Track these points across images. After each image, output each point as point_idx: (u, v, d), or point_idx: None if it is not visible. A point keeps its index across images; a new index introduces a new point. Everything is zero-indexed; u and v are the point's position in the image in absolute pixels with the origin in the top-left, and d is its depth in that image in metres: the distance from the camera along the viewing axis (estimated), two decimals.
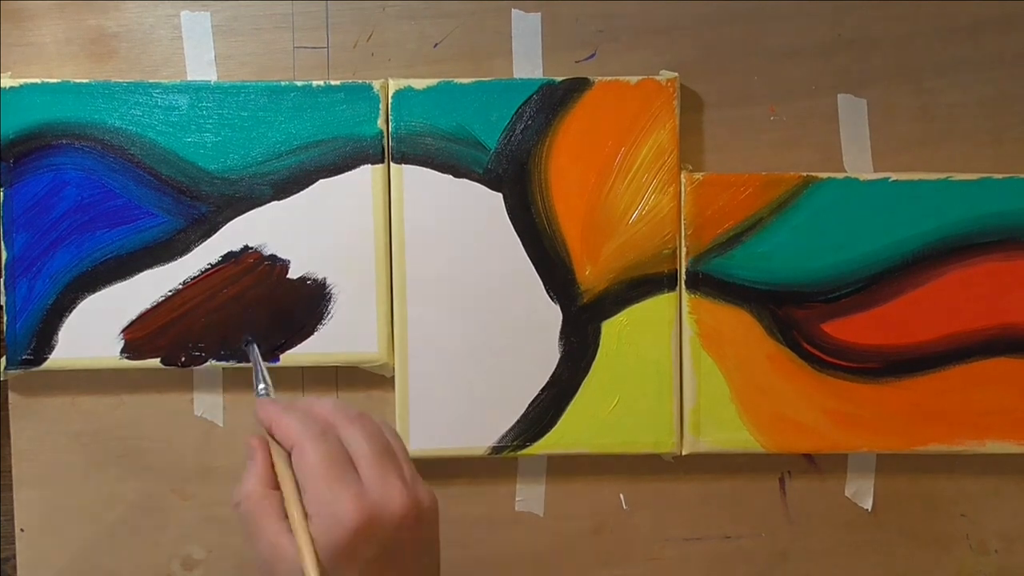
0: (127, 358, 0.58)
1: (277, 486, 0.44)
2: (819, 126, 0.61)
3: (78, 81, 0.58)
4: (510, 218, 0.59)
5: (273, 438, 0.45)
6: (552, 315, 0.59)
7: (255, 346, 0.56)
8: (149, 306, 0.58)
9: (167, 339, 0.58)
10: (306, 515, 0.42)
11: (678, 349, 0.59)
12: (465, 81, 0.58)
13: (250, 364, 0.57)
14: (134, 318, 0.58)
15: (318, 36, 0.60)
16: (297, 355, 0.58)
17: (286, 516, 0.43)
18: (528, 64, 0.60)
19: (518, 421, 0.59)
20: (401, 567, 0.43)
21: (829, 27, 0.61)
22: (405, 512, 0.42)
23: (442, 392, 0.59)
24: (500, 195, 0.59)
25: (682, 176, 0.59)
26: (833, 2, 0.61)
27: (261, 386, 0.51)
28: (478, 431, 0.59)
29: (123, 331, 0.58)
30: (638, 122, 0.58)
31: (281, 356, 0.58)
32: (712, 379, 0.59)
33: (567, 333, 0.59)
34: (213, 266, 0.58)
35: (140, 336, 0.58)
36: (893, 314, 0.59)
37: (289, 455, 0.44)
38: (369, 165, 0.58)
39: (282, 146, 0.58)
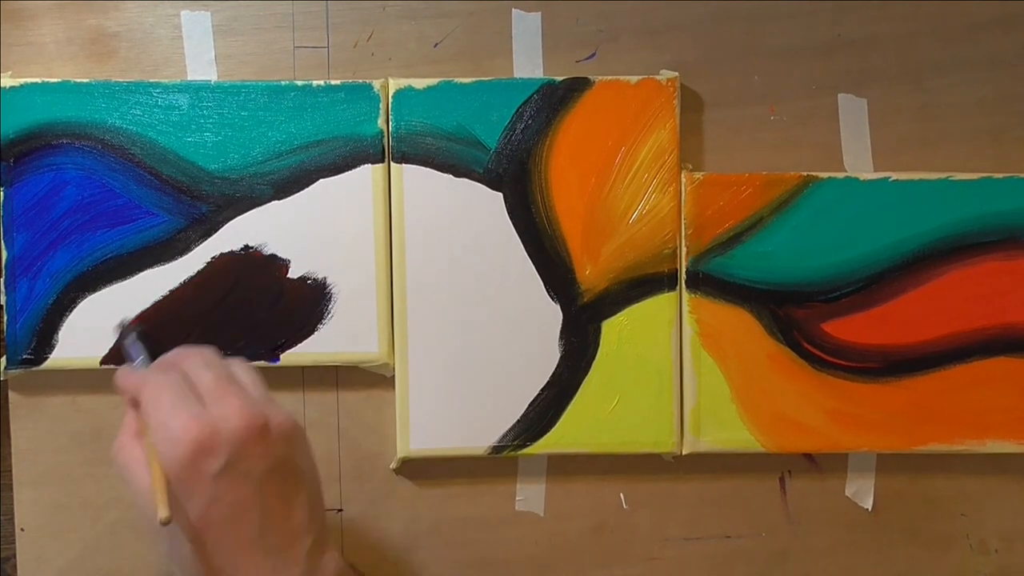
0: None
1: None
2: (819, 126, 0.61)
3: (78, 81, 0.58)
4: (510, 218, 0.59)
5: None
6: (552, 315, 0.59)
7: (134, 333, 0.56)
8: (147, 307, 0.58)
9: (166, 339, 0.58)
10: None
11: (678, 349, 0.59)
12: (465, 81, 0.58)
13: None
14: (131, 319, 0.58)
15: (318, 36, 0.60)
16: (297, 355, 0.58)
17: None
18: (528, 64, 0.60)
19: (518, 421, 0.59)
20: (257, 482, 0.44)
21: (829, 27, 0.61)
22: (246, 425, 0.44)
23: (442, 392, 0.59)
24: (500, 195, 0.59)
25: (682, 176, 0.59)
26: (833, 2, 0.61)
27: (137, 360, 0.52)
28: (478, 431, 0.59)
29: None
30: (638, 122, 0.58)
31: (281, 356, 0.58)
32: (712, 379, 0.59)
33: (567, 333, 0.59)
34: (213, 266, 0.58)
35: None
36: (893, 314, 0.59)
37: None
38: (369, 165, 0.58)
39: (282, 146, 0.58)
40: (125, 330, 0.56)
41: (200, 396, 0.46)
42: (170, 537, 0.45)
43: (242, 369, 0.49)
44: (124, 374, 0.50)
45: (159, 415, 0.45)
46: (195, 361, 0.48)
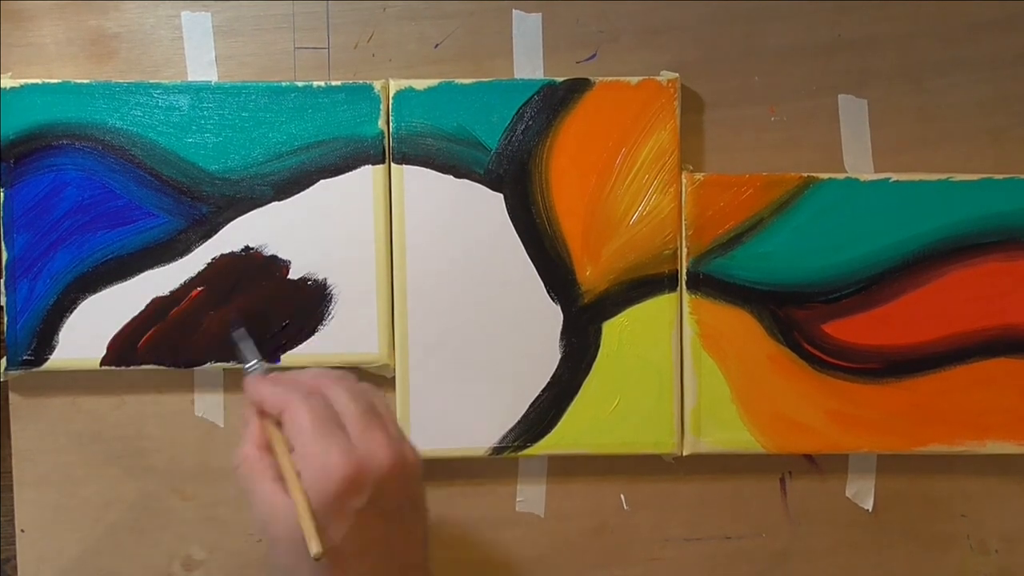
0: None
1: (271, 450, 0.46)
2: (820, 126, 0.61)
3: (79, 82, 0.58)
4: (511, 218, 0.59)
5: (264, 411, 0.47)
6: (553, 316, 0.59)
7: (242, 328, 0.56)
8: (145, 307, 0.58)
9: (167, 340, 0.58)
10: (298, 473, 0.44)
11: (679, 350, 0.59)
12: (466, 82, 0.58)
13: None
14: (129, 319, 0.58)
15: (319, 37, 0.60)
16: (298, 356, 0.58)
17: (280, 477, 0.45)
18: (529, 64, 0.60)
19: (519, 422, 0.59)
20: (389, 518, 0.45)
21: (830, 28, 0.61)
22: (391, 464, 0.44)
23: (443, 393, 0.59)
24: (501, 196, 0.59)
25: (683, 176, 0.59)
26: (834, 2, 0.61)
27: (252, 363, 0.52)
28: (479, 431, 0.59)
29: (117, 333, 0.58)
30: (639, 122, 0.58)
31: (282, 357, 0.58)
32: (713, 379, 0.59)
33: (568, 334, 0.59)
34: (213, 267, 0.58)
35: (136, 338, 0.58)
36: (894, 314, 0.59)
37: (279, 421, 0.46)
38: (370, 166, 0.58)
39: (283, 147, 0.58)
40: (235, 325, 0.56)
41: (345, 425, 0.45)
42: (296, 567, 0.44)
43: (380, 400, 0.48)
44: (257, 383, 0.48)
45: (307, 445, 0.44)
46: (339, 389, 0.47)
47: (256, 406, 0.48)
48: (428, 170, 0.58)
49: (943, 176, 0.59)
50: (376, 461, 0.44)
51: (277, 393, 0.47)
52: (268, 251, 0.58)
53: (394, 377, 0.59)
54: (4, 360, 0.58)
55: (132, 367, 0.58)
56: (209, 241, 0.58)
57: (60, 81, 0.58)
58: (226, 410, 0.60)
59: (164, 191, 0.58)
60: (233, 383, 0.60)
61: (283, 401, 0.46)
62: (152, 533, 0.60)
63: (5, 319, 0.58)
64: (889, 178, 0.59)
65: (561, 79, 0.59)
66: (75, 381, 0.59)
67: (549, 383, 0.59)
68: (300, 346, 0.58)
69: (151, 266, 0.58)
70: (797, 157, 0.61)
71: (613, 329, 0.59)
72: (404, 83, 0.58)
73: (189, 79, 0.60)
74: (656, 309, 0.59)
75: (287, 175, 0.58)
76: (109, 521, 0.60)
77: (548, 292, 0.59)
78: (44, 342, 0.58)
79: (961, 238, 0.59)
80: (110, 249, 0.58)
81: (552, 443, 0.59)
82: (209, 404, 0.60)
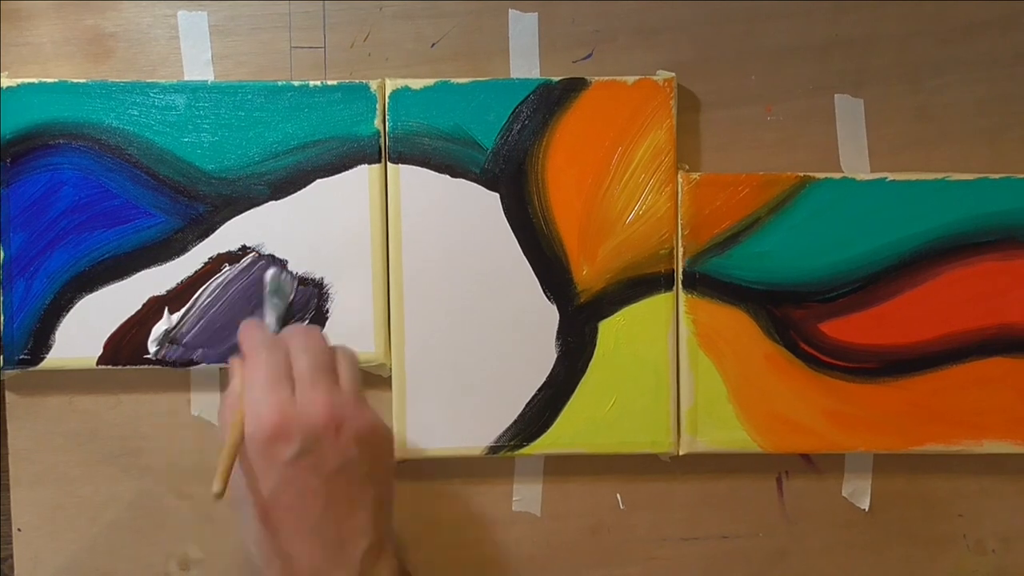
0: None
1: None
2: (816, 126, 0.61)
3: (75, 81, 0.58)
4: (507, 218, 0.59)
5: None
6: (549, 315, 0.59)
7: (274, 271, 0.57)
8: (141, 306, 0.58)
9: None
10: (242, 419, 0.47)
11: (675, 349, 0.59)
12: (462, 81, 0.58)
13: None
14: (126, 319, 0.58)
15: (315, 36, 0.60)
16: None
17: None
18: (525, 64, 0.60)
19: (515, 421, 0.59)
20: (329, 479, 0.46)
21: (826, 27, 0.61)
22: (325, 421, 0.46)
23: (439, 392, 0.59)
24: (497, 195, 0.59)
25: (679, 176, 0.59)
26: (830, 2, 0.61)
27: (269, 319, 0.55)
28: (475, 431, 0.59)
29: (114, 332, 0.58)
30: (635, 122, 0.58)
31: None
32: (709, 379, 0.59)
33: (564, 333, 0.59)
34: (210, 266, 0.58)
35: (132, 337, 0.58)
36: (890, 314, 0.59)
37: None
38: (366, 165, 0.58)
39: (279, 146, 0.58)
40: (273, 277, 0.57)
41: (293, 381, 0.48)
42: (244, 511, 0.47)
43: (344, 360, 0.51)
44: (247, 329, 0.51)
45: (252, 393, 0.47)
46: (299, 343, 0.49)
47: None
48: (424, 169, 0.58)
49: (940, 176, 0.59)
50: (310, 416, 0.46)
51: (250, 343, 0.50)
52: (265, 250, 0.58)
53: (390, 376, 0.59)
54: (0, 359, 0.58)
55: (128, 366, 0.58)
56: (206, 240, 0.58)
57: (57, 80, 0.58)
58: None
59: (161, 190, 0.58)
60: (229, 383, 0.60)
61: (249, 350, 0.49)
62: (149, 532, 0.60)
63: (2, 318, 0.58)
64: (886, 178, 0.59)
65: (557, 78, 0.59)
66: (71, 380, 0.59)
67: (545, 382, 0.59)
68: None
69: (148, 265, 0.58)
70: (793, 157, 0.61)
71: (609, 328, 0.59)
72: (400, 82, 0.58)
73: (185, 78, 0.60)
74: (652, 308, 0.59)
75: (283, 174, 0.58)
76: (106, 520, 0.60)
77: (544, 291, 0.59)
78: (40, 341, 0.58)
79: (958, 237, 0.59)
80: (107, 248, 0.58)
81: (548, 442, 0.59)
82: (205, 403, 0.60)
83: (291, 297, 0.57)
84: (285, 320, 0.56)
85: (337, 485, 0.46)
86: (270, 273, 0.57)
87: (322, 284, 0.58)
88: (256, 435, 0.46)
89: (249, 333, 0.51)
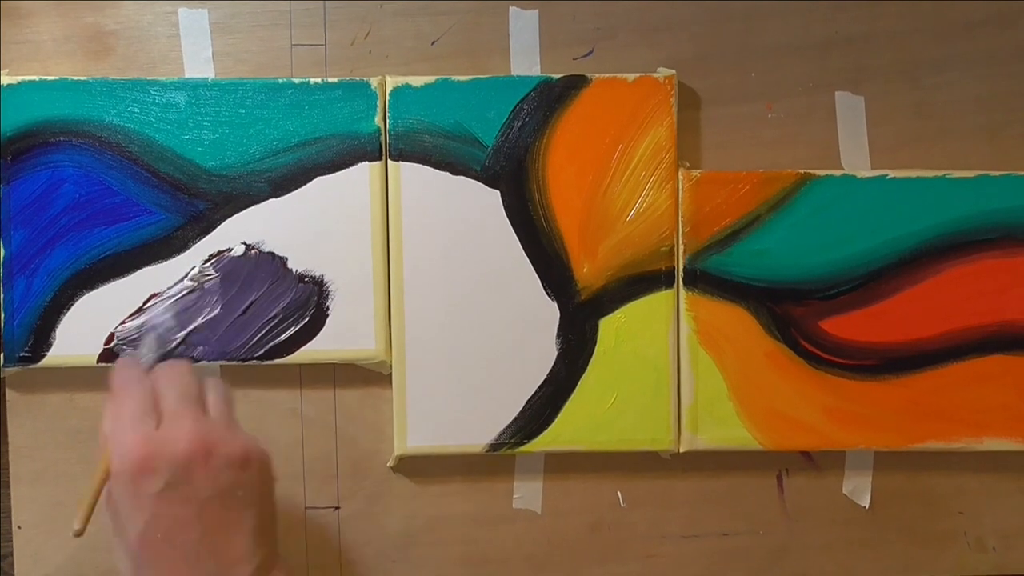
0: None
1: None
2: (816, 123, 0.61)
3: (76, 78, 0.58)
4: (508, 215, 0.59)
5: None
6: (549, 312, 0.59)
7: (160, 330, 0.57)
8: (142, 303, 0.58)
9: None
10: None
11: (676, 346, 0.59)
12: (463, 78, 0.58)
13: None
14: (126, 316, 0.58)
15: (316, 33, 0.60)
16: (295, 353, 0.58)
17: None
18: (525, 61, 0.60)
19: (515, 418, 0.59)
20: (203, 506, 0.46)
21: (826, 24, 0.61)
22: (190, 450, 0.46)
23: (440, 389, 0.59)
24: (498, 192, 0.59)
25: (679, 173, 0.59)
26: (830, 0, 0.61)
27: (146, 356, 0.54)
28: (475, 428, 0.59)
29: (115, 330, 0.58)
30: (635, 119, 0.58)
31: (280, 354, 0.58)
32: (710, 376, 0.59)
33: (564, 330, 0.59)
34: (211, 263, 0.58)
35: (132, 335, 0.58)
36: (891, 311, 0.59)
37: None
38: (367, 162, 0.58)
39: (280, 143, 0.58)
40: (155, 325, 0.57)
41: (159, 415, 0.47)
42: (118, 549, 0.46)
43: (213, 389, 0.50)
44: (118, 367, 0.51)
45: (117, 430, 0.46)
46: (165, 377, 0.49)
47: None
48: (425, 167, 0.58)
49: (940, 173, 0.59)
50: (173, 447, 0.45)
51: (118, 381, 0.49)
52: (265, 247, 0.58)
53: (391, 374, 0.59)
54: (1, 357, 0.58)
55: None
56: (206, 238, 0.58)
57: (57, 78, 0.58)
58: None
59: (161, 188, 0.58)
60: (229, 379, 0.59)
61: (117, 388, 0.49)
62: None
63: (2, 316, 0.58)
64: (886, 175, 0.59)
65: (558, 76, 0.59)
66: (72, 378, 0.59)
67: (546, 380, 0.59)
68: (297, 343, 0.58)
69: (148, 263, 0.58)
70: (794, 154, 0.61)
71: (610, 326, 0.59)
72: (401, 80, 0.58)
73: (186, 76, 0.60)
74: (653, 306, 0.59)
75: (284, 172, 0.58)
76: (105, 518, 0.59)
77: (545, 289, 0.59)
78: (41, 339, 0.58)
79: (958, 235, 0.59)
80: (107, 246, 0.58)
81: (549, 440, 0.59)
82: None
83: (169, 347, 0.57)
84: (160, 359, 0.55)
85: (212, 512, 0.46)
86: (160, 319, 0.57)
87: (322, 281, 0.58)
88: (122, 471, 0.45)
89: (119, 372, 0.50)
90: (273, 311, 0.58)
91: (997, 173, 0.59)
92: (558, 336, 0.59)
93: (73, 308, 0.58)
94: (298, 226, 0.58)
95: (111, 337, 0.57)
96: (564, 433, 0.59)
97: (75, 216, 0.58)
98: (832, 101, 0.61)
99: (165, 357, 0.55)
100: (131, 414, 0.47)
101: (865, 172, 0.60)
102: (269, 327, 0.58)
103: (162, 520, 0.45)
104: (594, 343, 0.59)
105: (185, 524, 0.45)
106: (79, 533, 0.45)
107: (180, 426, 0.46)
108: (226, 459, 0.46)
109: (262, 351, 0.58)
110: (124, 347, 0.57)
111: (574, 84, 0.59)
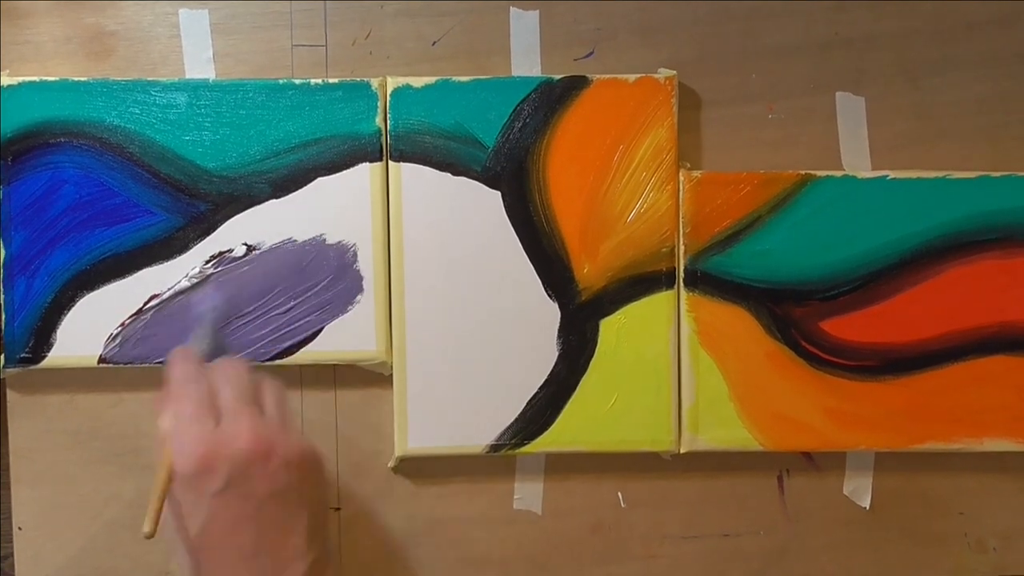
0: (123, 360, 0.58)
1: None
2: (817, 124, 0.61)
3: (76, 79, 0.58)
4: (508, 216, 0.59)
5: None
6: (550, 313, 0.59)
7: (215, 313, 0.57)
8: (143, 304, 0.58)
9: (163, 337, 0.58)
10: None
11: (676, 347, 0.59)
12: (463, 79, 0.58)
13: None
14: (127, 317, 0.58)
15: (316, 34, 0.60)
16: (296, 353, 0.58)
17: None
18: (526, 62, 0.60)
19: (516, 419, 0.59)
20: (260, 505, 0.46)
21: (827, 25, 0.61)
22: (250, 449, 0.46)
23: (440, 390, 0.59)
24: (498, 193, 0.59)
25: (680, 174, 0.59)
26: (831, 1, 0.61)
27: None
28: (476, 429, 0.59)
29: (116, 330, 0.58)
30: (636, 120, 0.58)
31: (278, 355, 0.58)
32: (710, 377, 0.59)
33: (565, 331, 0.59)
34: (211, 264, 0.58)
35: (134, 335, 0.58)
36: (891, 312, 0.59)
37: None
38: (367, 163, 0.58)
39: (280, 144, 0.58)
40: (211, 306, 0.57)
41: (218, 413, 0.47)
42: (178, 549, 0.46)
43: (270, 389, 0.50)
44: (173, 363, 0.50)
45: (179, 429, 0.46)
46: (222, 375, 0.49)
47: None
48: (425, 168, 0.58)
49: (940, 174, 0.59)
50: (234, 445, 0.46)
51: (174, 379, 0.49)
52: (265, 248, 0.58)
53: (392, 375, 0.59)
54: (2, 358, 0.58)
55: (130, 365, 0.58)
56: (207, 239, 0.58)
57: (58, 79, 0.58)
58: None
59: (162, 189, 0.58)
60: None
61: (174, 386, 0.49)
62: None
63: (3, 316, 0.57)
64: (886, 176, 0.59)
65: (558, 77, 0.59)
66: (73, 379, 0.59)
67: (546, 381, 0.59)
68: (298, 344, 0.58)
69: (149, 264, 0.58)
70: (795, 155, 0.61)
71: (611, 327, 0.59)
72: (401, 80, 0.58)
73: (187, 76, 0.60)
74: (654, 307, 0.59)
75: (285, 172, 0.58)
76: (106, 519, 0.60)
77: (545, 290, 0.59)
78: (42, 340, 0.58)
79: (958, 235, 0.59)
80: (108, 247, 0.58)
81: (549, 441, 0.59)
82: None
83: (220, 328, 0.56)
84: (215, 350, 0.55)
85: (269, 512, 0.46)
86: (204, 303, 0.57)
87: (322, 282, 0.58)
88: (183, 470, 0.45)
89: (176, 366, 0.50)
90: (282, 311, 0.58)
91: (997, 174, 0.59)
92: (559, 337, 0.59)
93: (74, 309, 0.58)
94: (299, 227, 0.58)
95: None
96: (565, 434, 0.59)
97: (76, 217, 0.58)
98: (833, 102, 0.61)
99: (218, 344, 0.55)
100: (189, 413, 0.47)
101: (866, 173, 0.60)
102: (269, 327, 0.58)
103: (221, 519, 0.45)
104: (595, 344, 0.59)
105: (243, 523, 0.46)
106: (150, 535, 0.44)
107: (240, 425, 0.46)
108: (284, 459, 0.47)
109: (270, 353, 0.58)
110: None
111: (575, 85, 0.59)
